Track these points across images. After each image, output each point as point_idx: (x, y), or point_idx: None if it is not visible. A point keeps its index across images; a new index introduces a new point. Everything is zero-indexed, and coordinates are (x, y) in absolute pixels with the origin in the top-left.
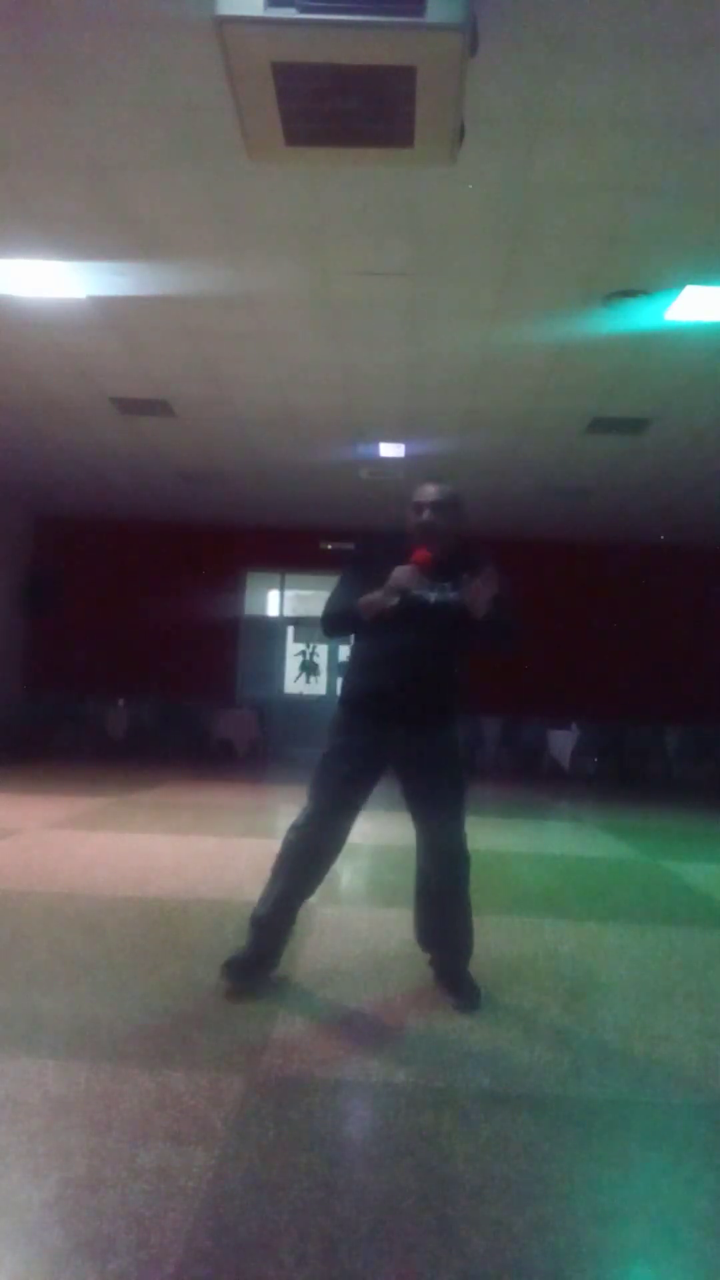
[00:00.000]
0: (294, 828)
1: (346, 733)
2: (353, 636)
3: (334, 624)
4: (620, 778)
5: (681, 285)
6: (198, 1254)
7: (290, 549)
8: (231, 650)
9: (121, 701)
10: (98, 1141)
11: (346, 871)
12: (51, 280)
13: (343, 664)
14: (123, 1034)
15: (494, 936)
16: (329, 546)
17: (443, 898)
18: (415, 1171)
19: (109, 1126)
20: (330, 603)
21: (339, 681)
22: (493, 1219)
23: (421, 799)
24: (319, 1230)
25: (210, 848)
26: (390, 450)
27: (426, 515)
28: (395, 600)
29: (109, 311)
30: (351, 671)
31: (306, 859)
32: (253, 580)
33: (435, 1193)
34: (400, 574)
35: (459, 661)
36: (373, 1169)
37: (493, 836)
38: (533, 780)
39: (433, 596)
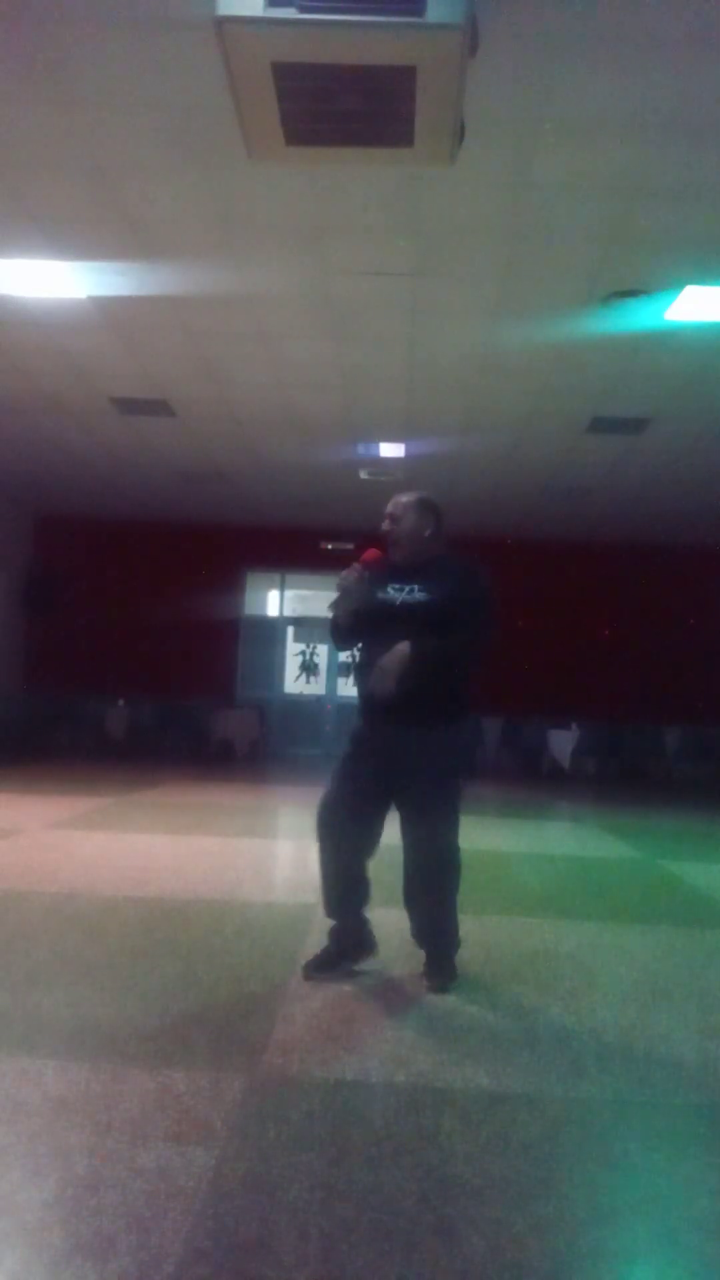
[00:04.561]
0: (317, 815)
1: (355, 731)
2: None
3: (335, 636)
4: (620, 778)
5: (681, 285)
6: (197, 1254)
7: (290, 549)
8: (231, 650)
9: (121, 701)
10: (98, 1141)
11: None
12: (51, 280)
13: (342, 665)
14: (123, 1034)
15: (494, 936)
16: (329, 546)
17: (425, 900)
18: (415, 1171)
19: (109, 1126)
20: (332, 616)
21: (338, 682)
22: (493, 1219)
23: (408, 800)
24: (319, 1230)
25: (210, 848)
26: (390, 450)
27: (386, 524)
28: (346, 597)
29: (109, 311)
30: (358, 674)
31: (332, 842)
32: (253, 580)
33: (435, 1193)
34: (341, 577)
35: (455, 663)
36: (373, 1169)
37: (493, 836)
38: (533, 780)
39: (399, 599)
